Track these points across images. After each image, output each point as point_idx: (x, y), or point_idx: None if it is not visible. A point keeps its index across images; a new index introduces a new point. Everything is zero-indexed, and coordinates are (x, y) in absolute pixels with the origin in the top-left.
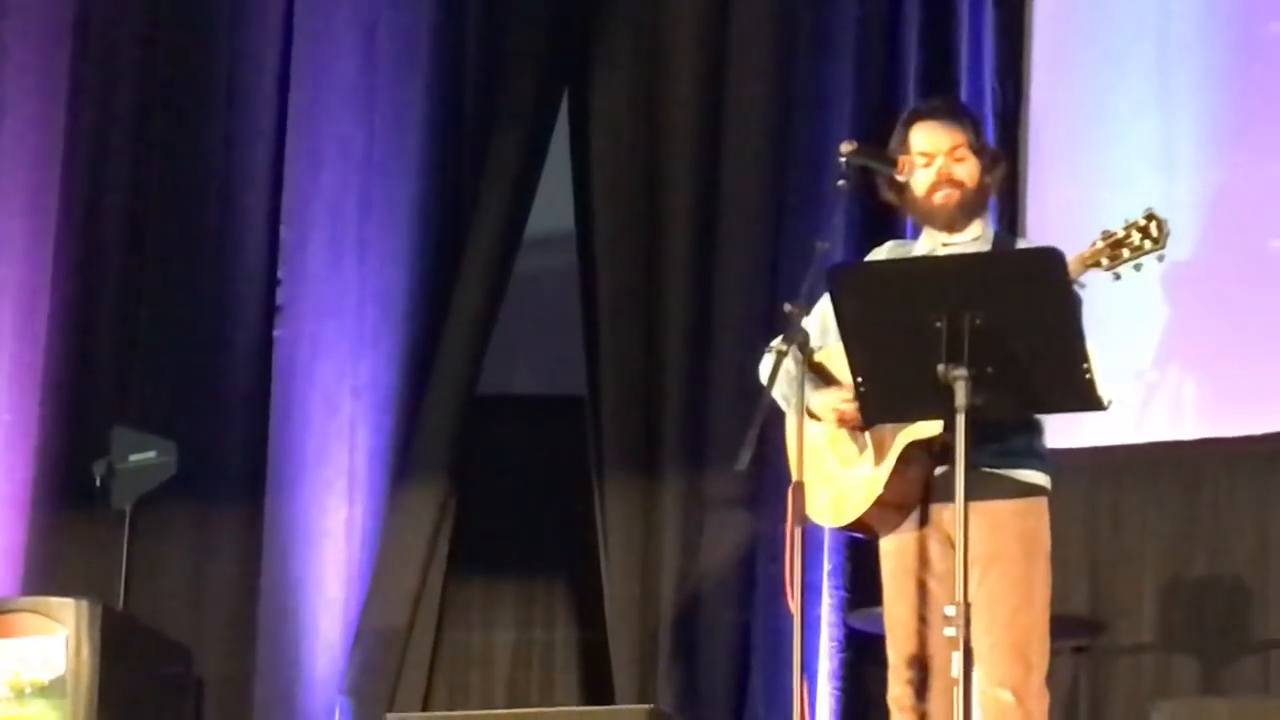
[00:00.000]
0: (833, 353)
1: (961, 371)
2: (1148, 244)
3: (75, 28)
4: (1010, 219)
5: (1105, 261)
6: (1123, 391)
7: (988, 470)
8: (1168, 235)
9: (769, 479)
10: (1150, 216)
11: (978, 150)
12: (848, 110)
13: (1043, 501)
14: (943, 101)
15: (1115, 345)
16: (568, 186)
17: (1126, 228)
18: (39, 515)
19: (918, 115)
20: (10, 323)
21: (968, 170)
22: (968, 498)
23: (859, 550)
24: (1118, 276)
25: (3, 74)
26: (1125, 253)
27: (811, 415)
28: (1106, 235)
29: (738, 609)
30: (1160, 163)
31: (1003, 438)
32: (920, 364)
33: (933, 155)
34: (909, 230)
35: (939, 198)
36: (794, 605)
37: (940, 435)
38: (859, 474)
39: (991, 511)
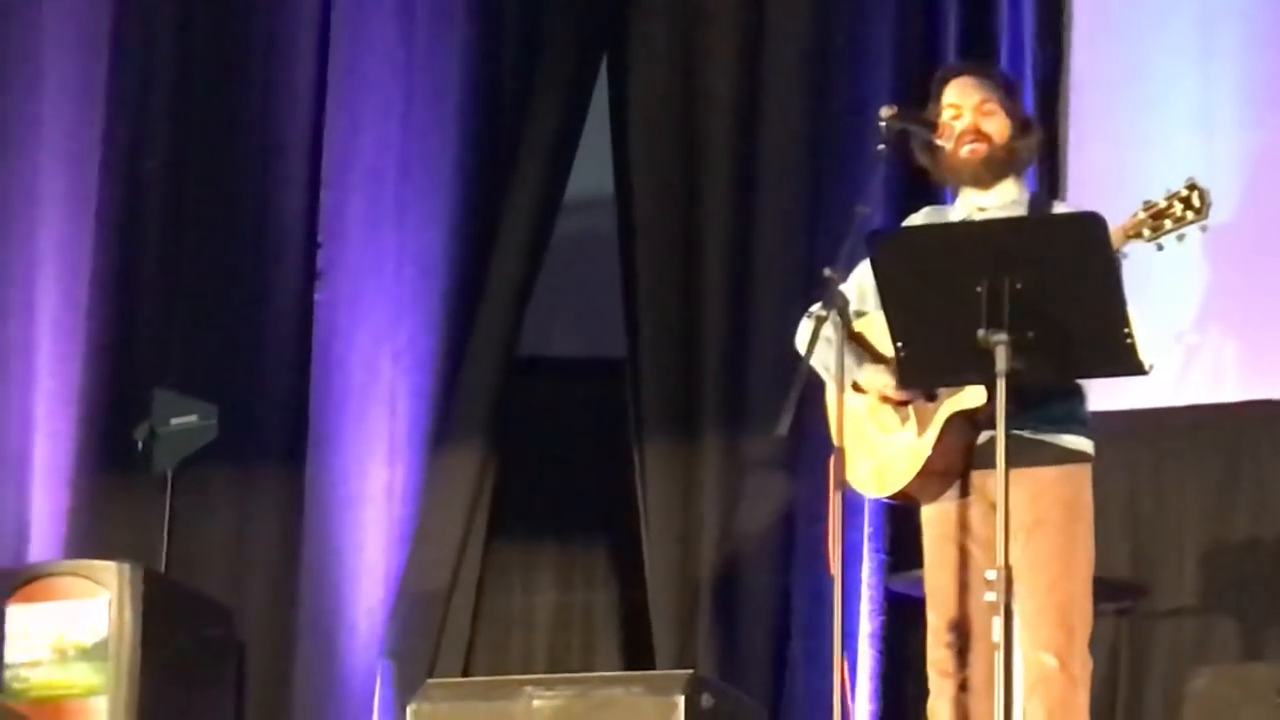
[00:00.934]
0: (872, 320)
1: (1002, 336)
2: (1190, 214)
3: None
4: (1051, 181)
5: (1147, 232)
6: (1164, 354)
7: (1031, 436)
8: (1210, 205)
9: (809, 442)
10: (1192, 186)
11: (1009, 111)
12: (887, 73)
13: (1086, 468)
14: (977, 62)
15: (1156, 307)
16: (607, 148)
17: (1168, 198)
18: (81, 479)
19: (952, 72)
20: (52, 287)
21: (995, 126)
22: (1010, 464)
23: (899, 513)
24: (1160, 247)
25: (42, 39)
26: (1167, 223)
27: (857, 389)
28: (1148, 205)
29: (777, 572)
30: (1201, 124)
31: (1046, 403)
32: (961, 329)
33: (961, 108)
34: (948, 196)
35: (965, 151)
36: (835, 571)
37: (984, 405)
38: (902, 443)
39: (1034, 477)
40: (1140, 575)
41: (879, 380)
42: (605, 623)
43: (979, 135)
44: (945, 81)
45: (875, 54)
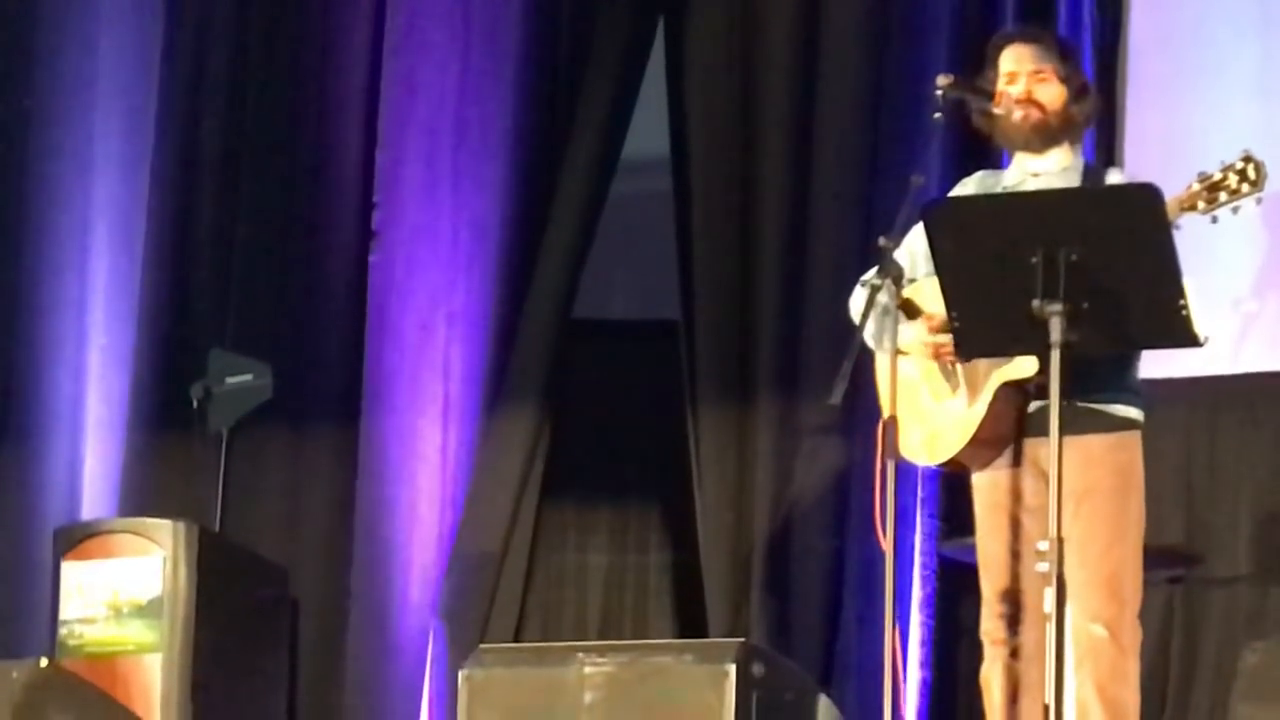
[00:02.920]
0: (922, 286)
1: (1057, 307)
2: (1245, 187)
3: None
4: (1108, 147)
5: (1202, 205)
6: (1220, 322)
7: (1081, 405)
8: (1265, 177)
9: (863, 408)
10: (1248, 159)
11: (1064, 78)
12: (945, 39)
13: (1136, 436)
14: (1033, 28)
15: (1213, 275)
16: (664, 111)
17: (1224, 170)
18: (136, 437)
19: (1007, 38)
20: (107, 246)
21: (1049, 93)
22: (1064, 432)
23: (952, 479)
24: (1215, 219)
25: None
26: (1222, 195)
27: (901, 352)
28: (1203, 178)
29: (830, 537)
30: (1260, 91)
31: (1096, 372)
32: (1016, 299)
33: (1016, 74)
34: (1004, 160)
35: (1017, 116)
36: (886, 543)
37: (1035, 375)
38: (953, 412)
39: (1085, 446)
40: (1195, 544)
41: (920, 333)
42: (658, 585)
43: (1032, 102)
44: (1001, 48)
45: (933, 21)
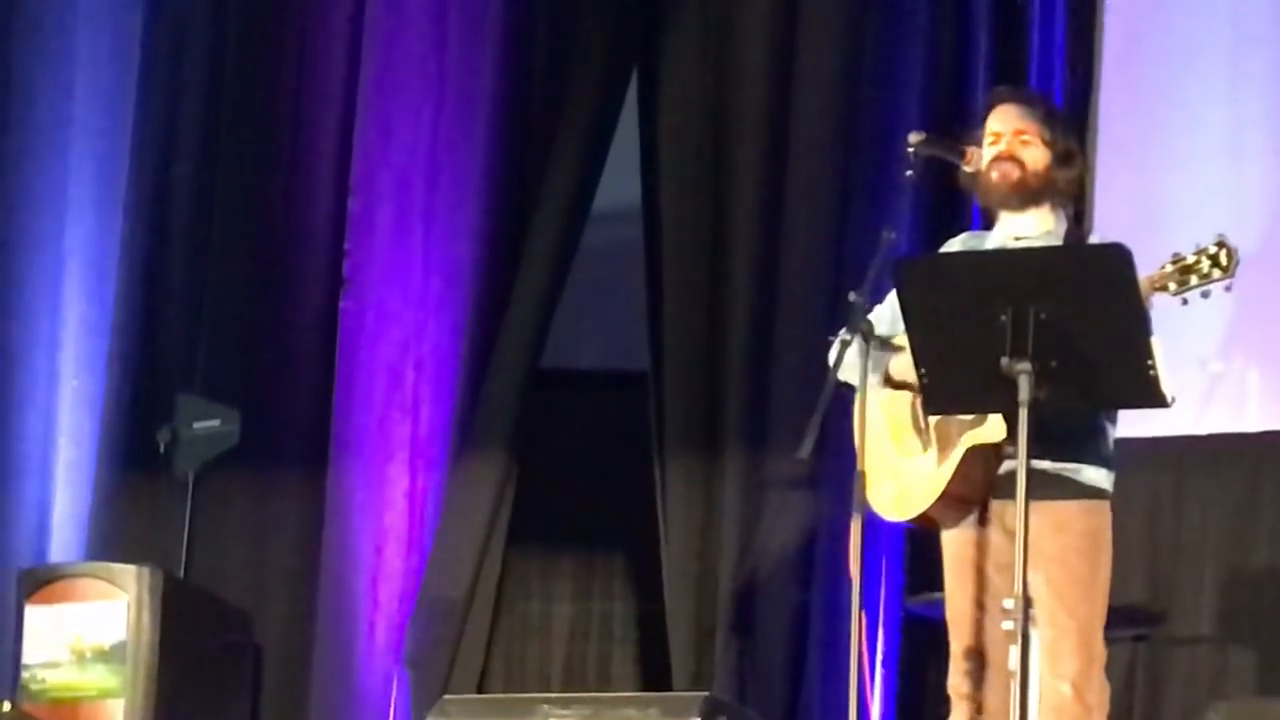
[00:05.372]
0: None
1: (1025, 365)
2: (1216, 272)
3: None
4: (1078, 206)
5: (1173, 286)
6: (1186, 381)
7: (1052, 469)
8: (1237, 265)
9: (831, 460)
10: (1221, 244)
11: (1048, 142)
12: (916, 91)
13: (1105, 504)
14: (1026, 90)
15: (1179, 334)
16: (635, 161)
17: (1197, 254)
18: (103, 480)
19: (998, 98)
20: (78, 288)
21: (1031, 155)
22: (1032, 496)
23: (918, 534)
24: (1185, 302)
25: (74, 43)
26: (1194, 279)
27: (890, 382)
28: (1176, 259)
29: (796, 590)
30: (1230, 151)
31: (1071, 438)
32: (984, 357)
33: (1000, 134)
34: (975, 220)
35: (995, 174)
36: (855, 593)
37: (1004, 441)
38: (921, 469)
39: (1056, 511)
40: (1159, 602)
41: (909, 365)
42: (623, 634)
43: (1012, 160)
44: (991, 107)
45: (905, 77)
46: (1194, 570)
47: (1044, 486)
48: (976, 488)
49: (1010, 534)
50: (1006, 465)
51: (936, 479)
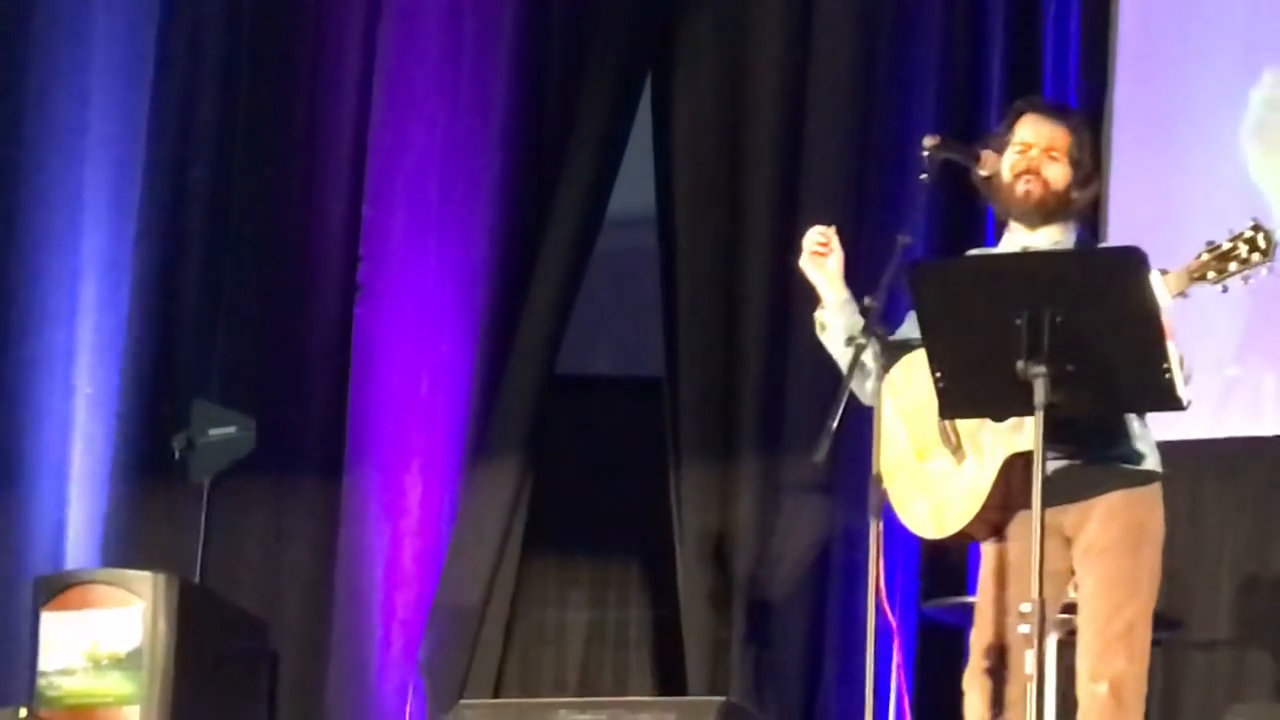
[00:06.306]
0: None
1: (1041, 369)
2: (1256, 256)
3: (162, 1)
4: (1092, 214)
5: (1212, 274)
6: (1202, 384)
7: (1097, 465)
8: (1276, 246)
9: (846, 465)
10: (1257, 228)
11: (1075, 161)
12: (931, 96)
13: (1156, 489)
14: (1058, 102)
15: (1197, 337)
16: (650, 167)
17: (1233, 239)
18: (118, 487)
19: (1030, 106)
20: (94, 296)
21: (1056, 172)
22: (1081, 495)
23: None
24: (1225, 289)
25: (89, 49)
26: (1233, 265)
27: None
28: (1212, 247)
29: (812, 596)
30: (1243, 161)
31: (1109, 430)
32: (1000, 361)
33: (1030, 146)
34: (989, 221)
35: (1020, 188)
36: (872, 596)
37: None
38: (957, 482)
39: (1104, 504)
40: (1176, 608)
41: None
42: (638, 641)
43: (1038, 176)
44: (1022, 113)
45: (920, 81)
46: (1211, 574)
47: (1092, 482)
48: (1016, 495)
49: (1061, 538)
50: (1053, 465)
51: (975, 491)
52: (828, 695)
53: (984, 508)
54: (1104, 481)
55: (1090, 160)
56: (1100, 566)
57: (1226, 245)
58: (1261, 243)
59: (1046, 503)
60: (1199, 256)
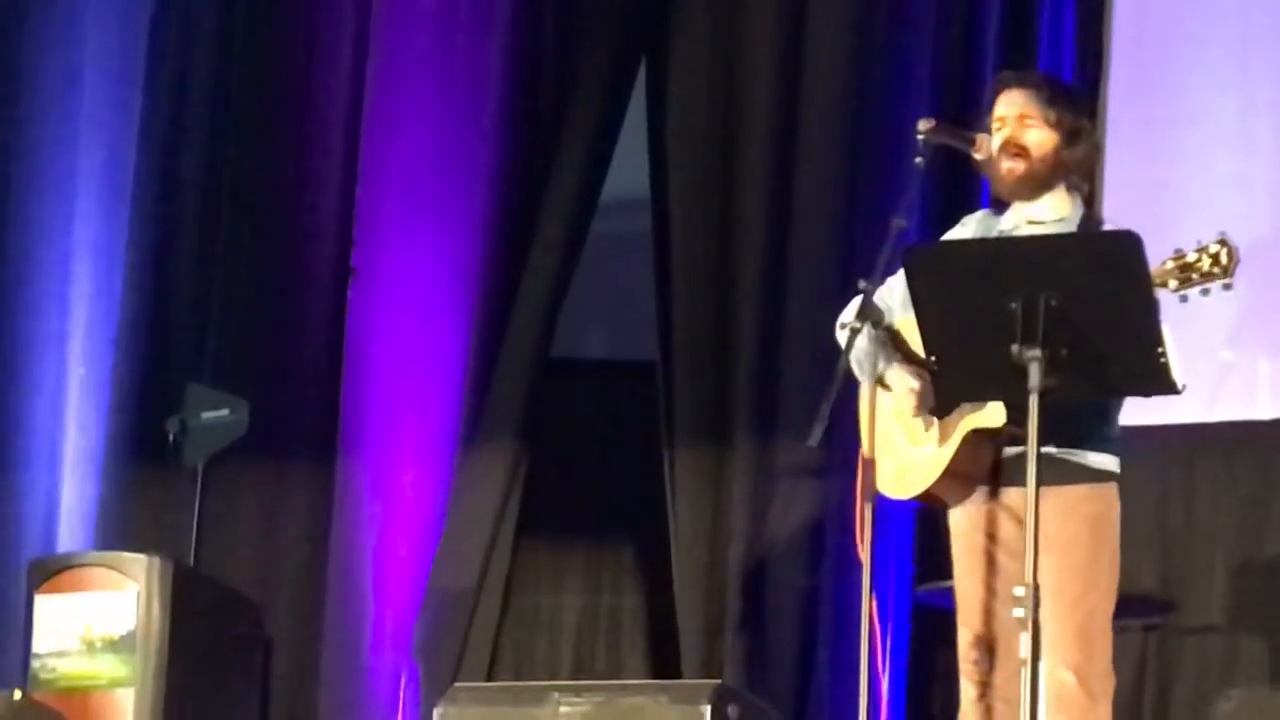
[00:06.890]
0: (912, 322)
1: (1036, 353)
2: (1216, 271)
3: None
4: (1088, 193)
5: (1173, 283)
6: (1196, 369)
7: (1058, 454)
8: (1236, 264)
9: (839, 450)
10: (1223, 243)
11: (1053, 123)
12: (925, 80)
13: (1113, 487)
14: (1029, 72)
15: (1190, 323)
16: (643, 151)
17: (1198, 251)
18: (112, 470)
19: (1002, 82)
20: (87, 279)
21: (1034, 139)
22: (1039, 481)
23: (928, 522)
24: (1184, 299)
25: (81, 33)
26: (1194, 277)
27: (883, 385)
28: (1177, 256)
29: (806, 579)
30: (1239, 140)
31: (1077, 421)
32: (995, 345)
33: (1005, 119)
34: (984, 203)
35: (1005, 165)
36: (865, 579)
37: (1003, 427)
38: (923, 452)
39: (1061, 496)
40: (1169, 592)
41: (905, 382)
42: (632, 625)
43: (1018, 149)
44: (997, 93)
45: (914, 65)
46: (1205, 559)
47: (1052, 472)
48: (980, 466)
49: (1018, 521)
50: (1012, 450)
51: (937, 460)
52: (822, 677)
53: (945, 473)
54: (1063, 472)
55: (1072, 117)
56: (1059, 559)
57: (1191, 256)
58: (1224, 259)
59: (1008, 483)
60: (1164, 263)
